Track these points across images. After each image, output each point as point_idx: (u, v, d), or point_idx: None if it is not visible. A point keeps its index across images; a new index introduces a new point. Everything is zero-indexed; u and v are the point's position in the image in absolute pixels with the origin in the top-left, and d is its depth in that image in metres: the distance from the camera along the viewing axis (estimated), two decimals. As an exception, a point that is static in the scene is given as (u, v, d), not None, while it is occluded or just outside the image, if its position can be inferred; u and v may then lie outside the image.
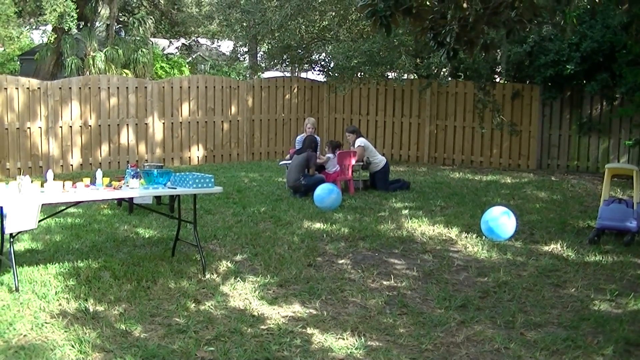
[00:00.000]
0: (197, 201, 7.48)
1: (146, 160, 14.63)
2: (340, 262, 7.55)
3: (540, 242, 8.42)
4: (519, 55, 14.23)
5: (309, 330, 5.50)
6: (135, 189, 6.91)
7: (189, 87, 15.45)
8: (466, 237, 8.62)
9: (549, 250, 8.07)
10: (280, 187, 12.05)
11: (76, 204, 7.63)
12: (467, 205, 10.61)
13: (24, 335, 5.30)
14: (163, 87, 15.17)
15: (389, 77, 16.31)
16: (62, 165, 13.95)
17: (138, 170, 7.25)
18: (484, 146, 15.53)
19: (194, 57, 36.13)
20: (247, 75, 28.23)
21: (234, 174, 13.66)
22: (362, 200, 11.01)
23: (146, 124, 14.89)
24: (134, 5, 33.29)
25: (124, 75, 23.81)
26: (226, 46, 33.88)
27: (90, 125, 14.23)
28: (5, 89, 13.26)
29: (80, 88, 14.12)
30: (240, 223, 9.28)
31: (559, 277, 7.03)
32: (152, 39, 31.64)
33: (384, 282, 6.83)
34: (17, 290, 6.25)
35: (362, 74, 15.53)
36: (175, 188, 7.07)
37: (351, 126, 13.67)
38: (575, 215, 10.09)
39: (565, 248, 8.11)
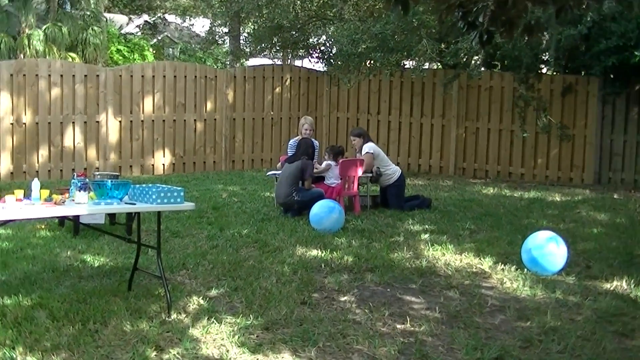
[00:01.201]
0: (162, 221, 7.46)
1: (97, 168, 14.64)
2: (343, 299, 7.53)
3: (600, 278, 8.39)
4: (572, 39, 14.24)
5: (303, 387, 5.47)
6: (82, 205, 6.87)
7: (154, 77, 15.49)
8: (502, 269, 8.61)
9: (611, 288, 8.04)
10: (267, 204, 12.06)
11: (4, 223, 7.60)
12: (504, 229, 10.63)
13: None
14: (120, 75, 15.21)
15: (405, 66, 16.34)
16: (-11, 174, 13.96)
17: (87, 180, 7.23)
18: (525, 155, 15.55)
19: (159, 38, 36.28)
20: (228, 63, 28.33)
21: (209, 187, 13.68)
22: (371, 221, 11.02)
23: (98, 122, 14.90)
24: (83, -29, 33.45)
25: (70, 59, 23.86)
26: (201, 25, 33.97)
27: (24, 123, 14.23)
28: None
29: (11, 75, 14.13)
30: (217, 249, 9.27)
31: (624, 324, 6.99)
32: (106, 15, 31.76)
33: (398, 326, 6.80)
34: None
35: (372, 62, 15.57)
36: (135, 204, 7.04)
37: (357, 128, 13.68)
38: (644, 243, 10.11)
39: (632, 286, 8.07)
